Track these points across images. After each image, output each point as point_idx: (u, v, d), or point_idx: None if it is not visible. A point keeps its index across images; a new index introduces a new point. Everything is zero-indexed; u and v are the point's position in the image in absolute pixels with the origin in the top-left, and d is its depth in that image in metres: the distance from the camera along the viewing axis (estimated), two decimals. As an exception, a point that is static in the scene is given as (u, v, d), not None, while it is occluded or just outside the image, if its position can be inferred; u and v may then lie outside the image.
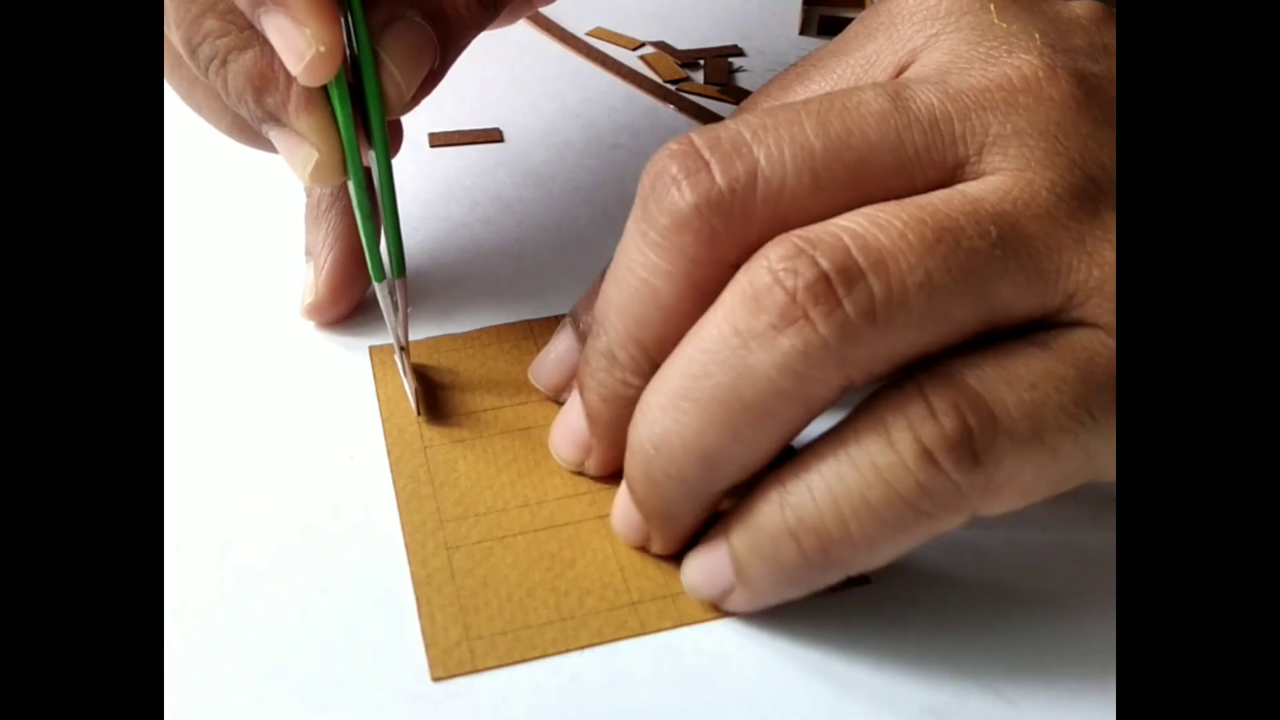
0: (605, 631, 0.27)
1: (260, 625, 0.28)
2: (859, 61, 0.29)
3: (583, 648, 0.27)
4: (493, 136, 0.45)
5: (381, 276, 0.32)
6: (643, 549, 0.29)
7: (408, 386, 0.33)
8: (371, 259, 0.32)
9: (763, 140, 0.25)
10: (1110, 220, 0.25)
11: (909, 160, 0.25)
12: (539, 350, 0.35)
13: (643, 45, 0.51)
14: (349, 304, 0.36)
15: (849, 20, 0.52)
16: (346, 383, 0.34)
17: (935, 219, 0.24)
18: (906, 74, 0.28)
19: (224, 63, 0.29)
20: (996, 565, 0.29)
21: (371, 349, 0.35)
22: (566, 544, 0.29)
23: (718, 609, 0.27)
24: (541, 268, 0.38)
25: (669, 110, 0.47)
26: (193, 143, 0.44)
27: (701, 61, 0.50)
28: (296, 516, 0.30)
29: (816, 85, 0.29)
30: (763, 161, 0.25)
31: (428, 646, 0.27)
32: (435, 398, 0.33)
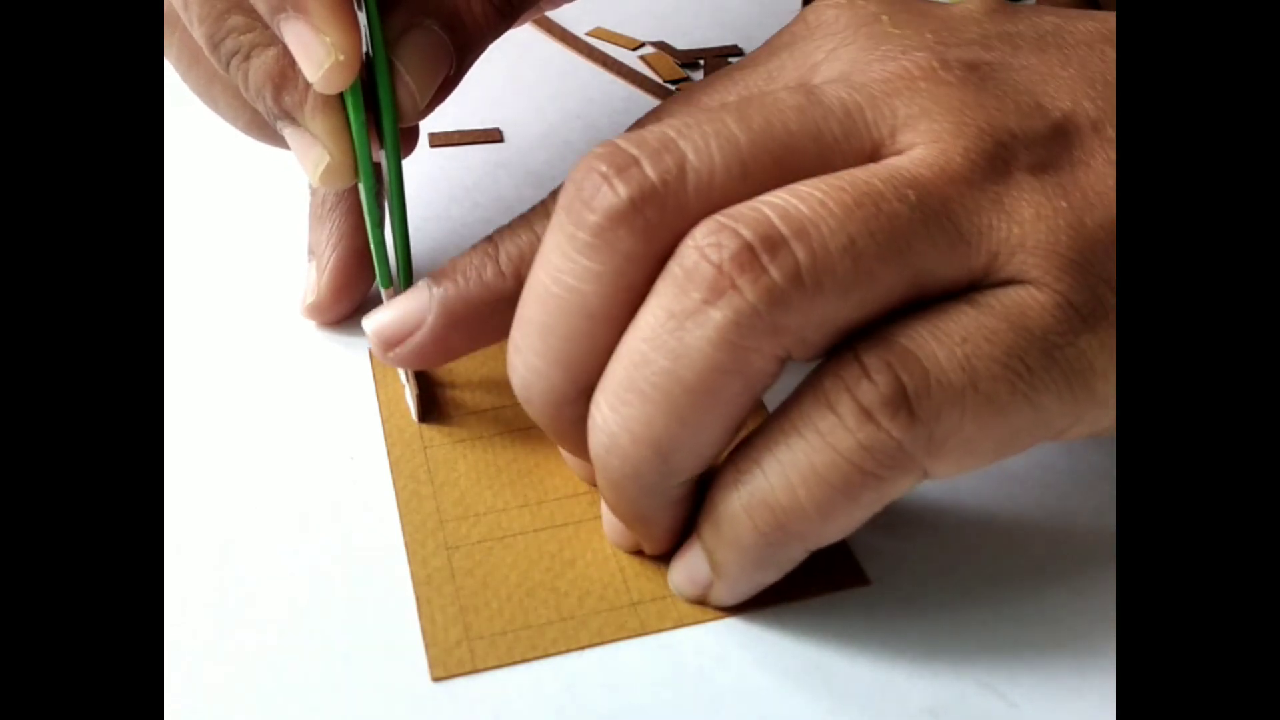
0: (605, 631, 0.27)
1: (260, 625, 0.28)
2: (763, 75, 0.29)
3: (583, 648, 0.27)
4: (493, 136, 0.45)
5: (389, 282, 0.32)
6: (639, 552, 0.29)
7: (409, 394, 0.33)
8: (379, 265, 0.32)
9: (688, 136, 0.25)
10: (1025, 181, 0.25)
11: (829, 147, 0.26)
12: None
13: (643, 45, 0.51)
14: (350, 304, 0.36)
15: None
16: (346, 383, 0.34)
17: (854, 187, 0.24)
18: (812, 80, 0.28)
19: (246, 58, 0.30)
20: (996, 565, 0.29)
21: (372, 350, 0.35)
22: (566, 544, 0.29)
23: (707, 607, 0.28)
24: (541, 268, 0.38)
25: (669, 110, 0.47)
26: (193, 144, 0.44)
27: (701, 61, 0.50)
28: (296, 516, 0.30)
29: (721, 96, 0.29)
30: (690, 155, 0.25)
31: (428, 646, 0.27)
32: (435, 398, 0.33)
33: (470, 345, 0.30)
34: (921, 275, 0.25)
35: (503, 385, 0.34)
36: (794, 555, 0.26)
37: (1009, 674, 0.26)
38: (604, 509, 0.29)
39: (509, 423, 0.32)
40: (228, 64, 0.30)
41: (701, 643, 0.27)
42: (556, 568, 0.29)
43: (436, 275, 0.30)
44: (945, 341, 0.24)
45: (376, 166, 0.31)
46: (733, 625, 0.27)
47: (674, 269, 0.24)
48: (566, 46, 0.51)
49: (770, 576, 0.27)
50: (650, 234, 0.25)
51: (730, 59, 0.50)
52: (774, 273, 0.23)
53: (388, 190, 0.31)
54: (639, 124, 0.30)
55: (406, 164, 0.43)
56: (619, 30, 0.52)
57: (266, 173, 0.43)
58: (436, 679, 0.26)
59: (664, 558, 0.28)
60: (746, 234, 0.24)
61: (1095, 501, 0.30)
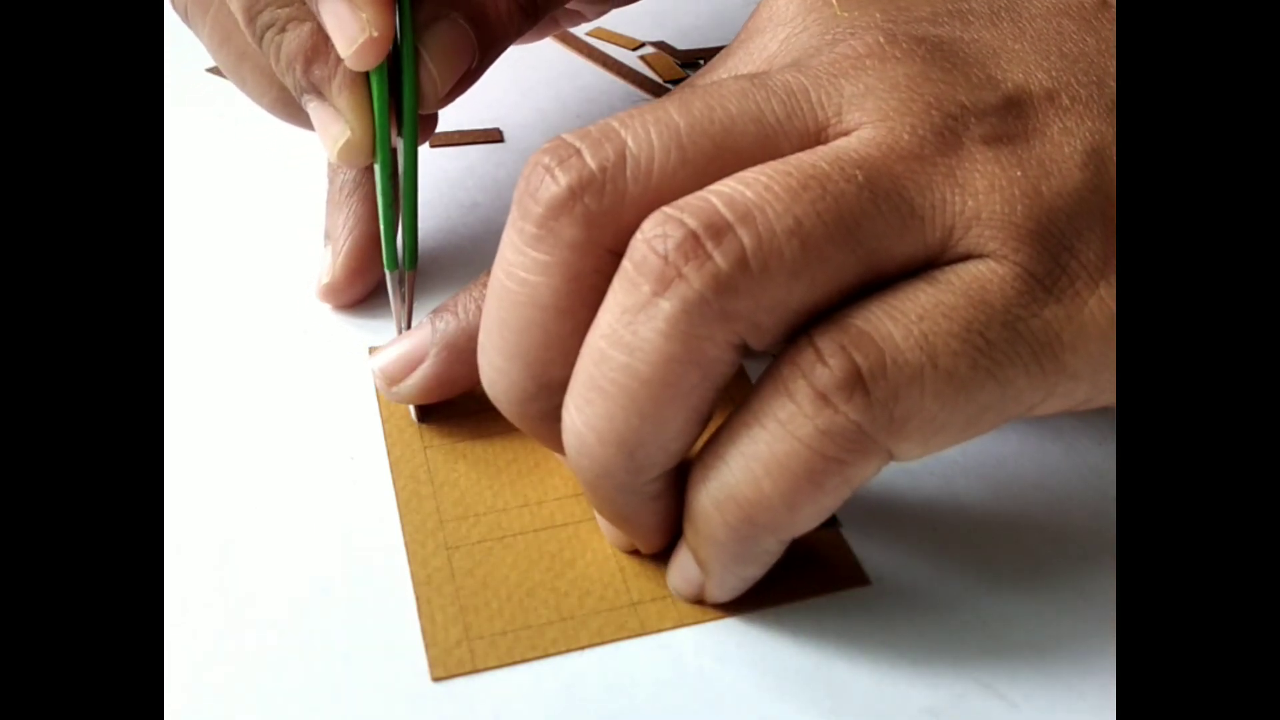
0: (605, 631, 0.27)
1: (260, 625, 0.28)
2: (723, 73, 0.30)
3: (583, 648, 0.27)
4: (493, 136, 0.45)
5: (394, 265, 0.33)
6: (636, 551, 0.29)
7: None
8: (387, 245, 0.33)
9: (629, 125, 0.25)
10: (977, 153, 0.25)
11: (772, 130, 0.25)
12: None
13: (643, 45, 0.51)
14: (364, 288, 0.36)
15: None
16: (346, 383, 0.34)
17: (800, 171, 0.24)
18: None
19: (281, 30, 0.31)
20: (996, 565, 0.29)
21: (372, 349, 0.35)
22: (566, 544, 0.29)
23: (705, 606, 0.28)
24: (541, 268, 0.38)
25: (669, 110, 0.47)
26: (194, 143, 0.44)
27: (701, 61, 0.50)
28: (296, 516, 0.30)
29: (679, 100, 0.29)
30: (630, 142, 0.25)
31: (428, 646, 0.27)
32: (435, 398, 0.33)
33: (474, 377, 0.29)
34: (875, 255, 0.24)
35: (503, 385, 0.34)
36: (769, 547, 0.26)
37: (1009, 674, 0.26)
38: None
39: (509, 423, 0.32)
40: (262, 36, 0.31)
41: (701, 643, 0.27)
42: (556, 568, 0.29)
43: (439, 310, 0.31)
44: (901, 320, 0.24)
45: (393, 151, 0.32)
46: (733, 625, 0.27)
47: (625, 265, 0.24)
48: (566, 46, 0.51)
49: (753, 570, 0.27)
50: (590, 221, 0.25)
51: (730, 59, 0.50)
52: (719, 259, 0.23)
53: (402, 174, 0.32)
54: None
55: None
56: (619, 30, 0.52)
57: (267, 174, 0.43)
58: (436, 679, 0.26)
59: (662, 556, 0.28)
60: (691, 223, 0.24)
61: (1095, 501, 0.30)
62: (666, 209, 0.24)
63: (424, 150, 0.44)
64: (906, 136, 0.25)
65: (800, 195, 0.24)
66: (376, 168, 0.32)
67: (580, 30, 0.52)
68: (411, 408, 0.33)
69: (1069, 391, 0.25)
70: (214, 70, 0.48)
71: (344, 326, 0.36)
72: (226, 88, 0.48)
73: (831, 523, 0.29)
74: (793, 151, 0.25)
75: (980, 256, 0.24)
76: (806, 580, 0.28)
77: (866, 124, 0.25)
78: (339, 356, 0.35)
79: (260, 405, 0.33)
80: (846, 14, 0.28)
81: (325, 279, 0.36)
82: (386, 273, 0.33)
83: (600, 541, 0.29)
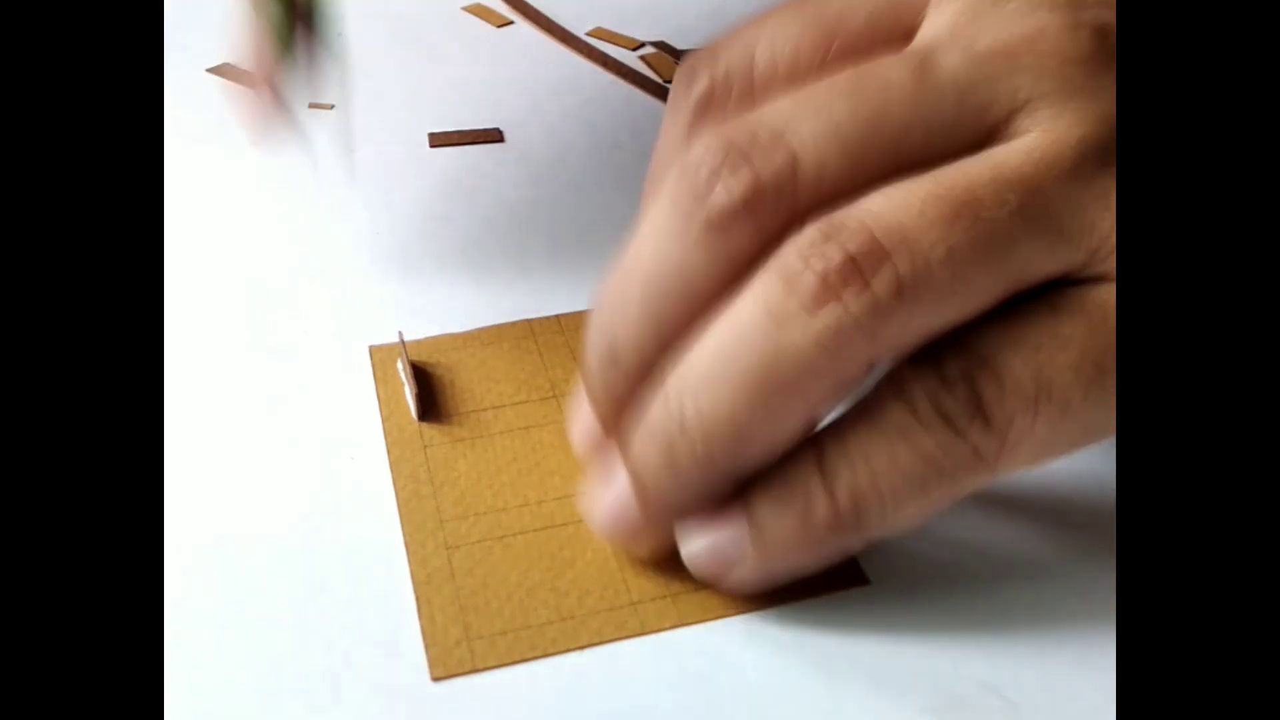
0: (605, 631, 0.27)
1: (260, 625, 0.28)
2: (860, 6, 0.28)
3: (583, 648, 0.27)
4: (493, 136, 0.45)
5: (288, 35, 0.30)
6: (627, 552, 0.29)
7: (409, 393, 0.33)
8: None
9: (796, 131, 0.25)
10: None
11: (939, 134, 0.25)
12: (539, 350, 0.35)
13: (643, 45, 0.51)
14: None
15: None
16: (346, 383, 0.34)
17: (953, 194, 0.24)
18: (922, 36, 0.28)
19: None
20: (996, 565, 0.29)
21: (371, 349, 0.35)
22: (567, 544, 0.29)
23: (717, 587, 0.28)
24: (541, 268, 0.38)
25: (669, 110, 0.47)
26: (193, 140, 0.44)
27: (701, 61, 0.50)
28: (296, 516, 0.30)
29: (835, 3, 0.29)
30: (800, 152, 0.25)
31: (428, 646, 0.27)
32: (435, 397, 0.33)
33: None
34: (1020, 275, 0.25)
35: (503, 385, 0.34)
36: (850, 544, 0.26)
37: (1009, 674, 0.26)
38: (608, 497, 0.28)
39: (509, 422, 0.32)
40: None
41: (701, 642, 0.27)
42: (556, 567, 0.29)
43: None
44: (1021, 349, 0.25)
45: None
46: (733, 625, 0.27)
47: (775, 271, 0.25)
48: (566, 46, 0.51)
49: (812, 563, 0.27)
50: (760, 233, 0.25)
51: (730, 59, 0.50)
52: (876, 286, 0.24)
53: None
54: (730, 40, 0.29)
55: (407, 164, 0.43)
56: (619, 30, 0.52)
57: (267, 174, 0.43)
58: (436, 679, 0.26)
59: (663, 557, 0.28)
60: (851, 247, 0.24)
61: (1095, 501, 0.30)
62: (824, 226, 0.25)
63: (424, 150, 0.44)
64: (1069, 153, 0.25)
65: (955, 223, 0.24)
66: None
67: (580, 30, 0.52)
68: (411, 407, 0.33)
69: None
70: (214, 70, 0.48)
71: (344, 326, 0.36)
72: (227, 87, 0.48)
73: None
74: (956, 151, 0.25)
75: (1112, 281, 0.25)
76: (806, 580, 0.28)
77: (1033, 131, 0.25)
78: (339, 356, 0.35)
79: (260, 405, 0.33)
80: None
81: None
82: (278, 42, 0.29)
83: (601, 541, 0.29)
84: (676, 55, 0.50)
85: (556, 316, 0.36)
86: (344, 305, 0.37)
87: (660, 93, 0.48)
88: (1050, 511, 0.30)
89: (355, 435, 0.32)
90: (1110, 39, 0.26)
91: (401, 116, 0.46)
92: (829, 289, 0.24)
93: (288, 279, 0.37)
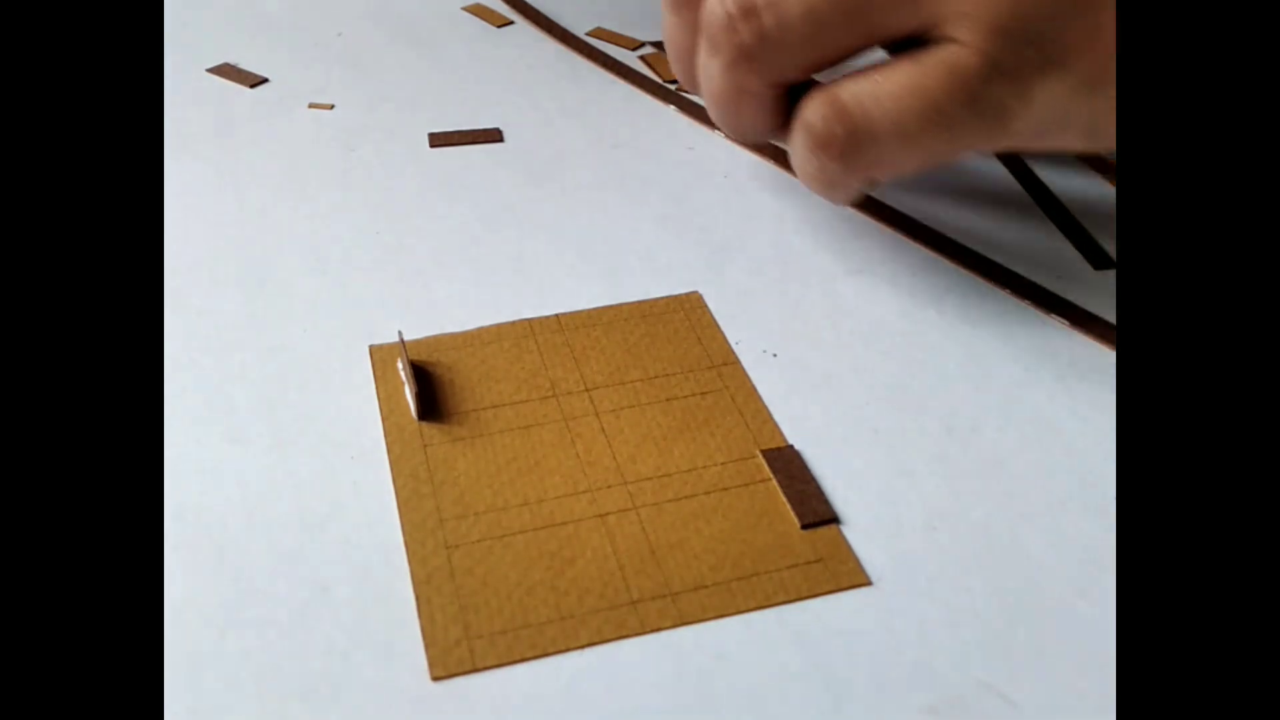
0: (605, 630, 0.27)
1: (260, 625, 0.28)
2: None
3: (583, 647, 0.27)
4: (493, 136, 0.45)
5: None
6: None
7: (409, 392, 0.33)
8: None
9: None
10: None
11: None
12: (539, 349, 0.35)
13: (643, 45, 0.51)
14: None
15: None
16: (346, 383, 0.34)
17: None
18: None
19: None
20: (996, 565, 0.29)
21: (371, 349, 0.35)
22: (566, 543, 0.29)
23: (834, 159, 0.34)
24: (541, 268, 0.38)
25: (669, 110, 0.47)
26: (193, 140, 0.44)
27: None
28: (296, 516, 0.30)
29: None
30: None
31: (427, 646, 0.27)
32: (435, 395, 0.33)
33: None
34: (873, 30, 0.32)
35: (503, 384, 0.34)
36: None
37: (1009, 674, 0.26)
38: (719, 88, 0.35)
39: (509, 421, 0.32)
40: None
41: (701, 642, 0.27)
42: (556, 566, 0.29)
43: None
44: (882, 99, 0.32)
45: None
46: (733, 625, 0.27)
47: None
48: (566, 46, 0.51)
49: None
50: None
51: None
52: (744, 34, 0.33)
53: None
54: None
55: (404, 163, 0.43)
56: (619, 30, 0.52)
57: (267, 170, 0.43)
58: (436, 678, 0.26)
59: (662, 556, 0.28)
60: (730, 7, 0.33)
61: (1095, 501, 0.30)
62: None
63: (424, 150, 0.44)
64: None
65: None
66: None
67: (580, 30, 0.52)
68: (411, 405, 0.33)
69: (1023, 143, 0.33)
70: (214, 70, 0.48)
71: (344, 326, 0.36)
72: (227, 87, 0.48)
73: (832, 520, 0.29)
74: None
75: (960, 43, 0.31)
76: (806, 580, 0.28)
77: None
78: (339, 356, 0.35)
79: (260, 404, 0.33)
80: None
81: None
82: None
83: (600, 540, 0.29)
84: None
85: (556, 316, 0.36)
86: (344, 305, 0.37)
87: (660, 93, 0.48)
88: (1050, 511, 0.30)
89: (355, 435, 0.32)
90: None
91: (401, 116, 0.46)
92: (717, 34, 0.33)
93: (288, 279, 0.37)
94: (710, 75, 0.34)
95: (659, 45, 0.51)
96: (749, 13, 0.32)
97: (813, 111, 0.33)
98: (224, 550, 0.29)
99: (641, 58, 0.50)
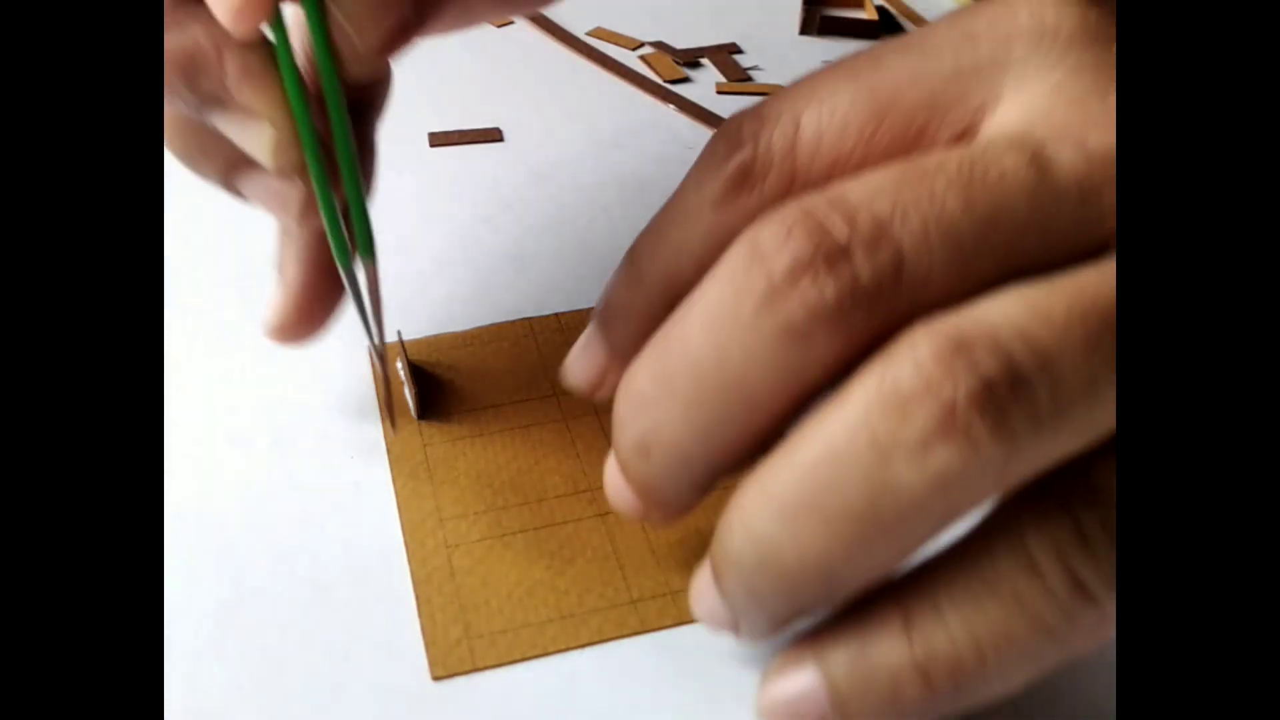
0: (605, 629, 0.27)
1: (260, 625, 0.28)
2: (946, 68, 0.24)
3: (583, 646, 0.27)
4: (493, 136, 0.45)
5: (347, 260, 0.28)
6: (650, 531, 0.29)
7: (408, 392, 0.33)
8: (334, 239, 0.27)
9: (905, 221, 0.21)
10: None
11: (1056, 238, 0.22)
12: (539, 349, 0.35)
13: (643, 45, 0.51)
14: (318, 324, 0.31)
15: (850, 20, 0.52)
16: (346, 383, 0.34)
17: (1097, 307, 0.21)
18: (1007, 121, 0.24)
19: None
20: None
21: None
22: (566, 542, 0.29)
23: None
24: (541, 268, 0.38)
25: (669, 110, 0.47)
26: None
27: (702, 60, 0.50)
28: (296, 516, 0.30)
29: (893, 71, 0.24)
30: (907, 248, 0.21)
31: (428, 645, 0.27)
32: (435, 395, 0.33)
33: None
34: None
35: (502, 383, 0.34)
36: (946, 711, 0.23)
37: (1009, 673, 0.26)
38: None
39: (509, 420, 0.32)
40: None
41: (702, 641, 0.27)
42: (556, 565, 0.29)
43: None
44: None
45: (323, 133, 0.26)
46: (733, 624, 0.27)
47: (886, 385, 0.20)
48: (566, 46, 0.51)
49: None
50: (851, 339, 0.21)
51: (732, 57, 0.50)
52: (1016, 420, 0.20)
53: (336, 151, 0.26)
54: (774, 104, 0.25)
55: (407, 164, 0.43)
56: (619, 30, 0.52)
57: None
58: (436, 678, 0.26)
59: (662, 559, 0.28)
60: (987, 367, 0.20)
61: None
62: (949, 333, 0.20)
63: (424, 150, 0.44)
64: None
65: (1099, 345, 0.21)
66: (305, 153, 0.26)
67: (580, 30, 0.52)
68: (411, 405, 0.33)
69: None
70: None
71: (344, 325, 0.36)
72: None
73: None
74: (1070, 255, 0.22)
75: None
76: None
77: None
78: (339, 356, 0.35)
79: (260, 404, 0.33)
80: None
81: (273, 319, 0.31)
82: (340, 269, 0.28)
83: (600, 539, 0.29)
84: (676, 55, 0.50)
85: (556, 315, 0.36)
86: (344, 305, 0.37)
87: (660, 93, 0.48)
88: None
89: (355, 434, 0.32)
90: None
91: (401, 116, 0.46)
92: (957, 420, 0.20)
93: (288, 279, 0.37)
94: (888, 486, 0.20)
95: (659, 45, 0.51)
96: (1017, 383, 0.20)
97: (1086, 513, 0.21)
98: (224, 549, 0.29)
99: (641, 58, 0.50)
